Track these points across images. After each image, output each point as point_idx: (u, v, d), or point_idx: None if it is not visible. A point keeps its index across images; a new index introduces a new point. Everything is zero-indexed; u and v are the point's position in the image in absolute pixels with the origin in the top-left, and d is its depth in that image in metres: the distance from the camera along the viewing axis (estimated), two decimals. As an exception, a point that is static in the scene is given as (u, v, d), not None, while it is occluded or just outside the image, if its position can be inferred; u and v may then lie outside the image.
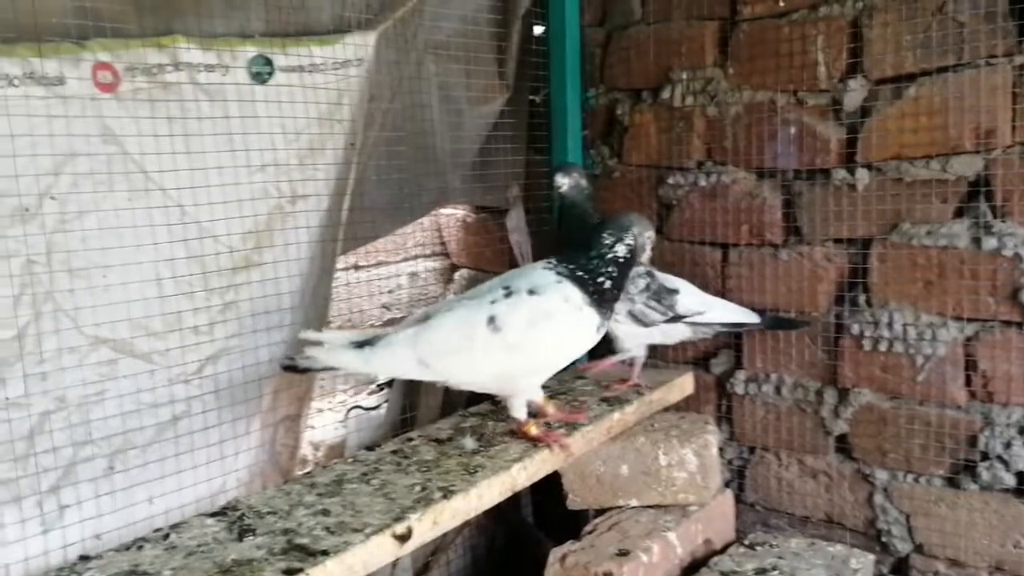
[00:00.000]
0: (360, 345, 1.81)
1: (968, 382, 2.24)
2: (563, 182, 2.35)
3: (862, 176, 2.34)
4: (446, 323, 1.86)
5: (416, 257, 3.47)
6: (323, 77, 2.16)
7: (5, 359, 1.69)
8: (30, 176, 1.70)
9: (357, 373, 1.96)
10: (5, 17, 1.67)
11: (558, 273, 1.91)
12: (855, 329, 2.38)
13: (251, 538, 1.58)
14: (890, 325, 2.32)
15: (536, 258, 2.97)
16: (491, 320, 1.83)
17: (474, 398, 2.51)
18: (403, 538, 1.61)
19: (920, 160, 2.25)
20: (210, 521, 1.67)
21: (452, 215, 3.36)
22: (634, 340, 2.41)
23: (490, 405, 2.35)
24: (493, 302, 1.86)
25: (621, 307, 2.25)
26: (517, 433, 2.05)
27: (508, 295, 1.87)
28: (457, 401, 2.62)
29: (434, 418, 2.42)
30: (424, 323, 1.87)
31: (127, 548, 1.57)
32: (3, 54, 1.66)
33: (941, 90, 2.20)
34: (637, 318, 2.33)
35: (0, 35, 1.65)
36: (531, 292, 1.88)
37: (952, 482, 2.28)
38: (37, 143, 1.71)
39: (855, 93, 2.34)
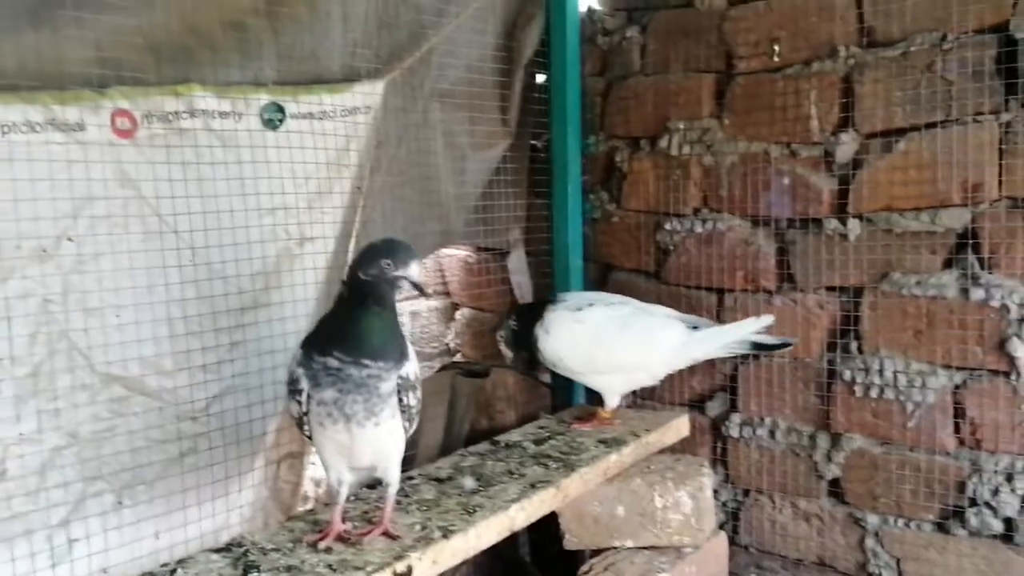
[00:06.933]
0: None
1: (957, 429, 2.29)
2: None
3: (853, 226, 2.41)
4: None
5: (418, 297, 3.52)
6: (332, 124, 2.22)
7: (20, 396, 1.73)
8: (49, 219, 1.75)
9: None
10: (30, 66, 1.73)
11: None
12: (847, 375, 2.44)
13: (255, 574, 1.62)
14: (881, 372, 2.38)
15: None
16: None
17: (472, 438, 2.55)
18: (404, 576, 1.65)
19: (910, 212, 2.31)
20: (215, 557, 1.71)
21: (454, 256, 3.42)
22: None
23: (489, 445, 2.39)
24: None
25: None
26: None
27: None
28: (456, 440, 2.66)
29: (433, 457, 2.45)
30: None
31: (135, 582, 1.61)
32: (27, 101, 1.72)
33: (930, 145, 2.27)
34: None
35: (25, 83, 1.72)
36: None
37: (942, 527, 2.32)
38: (56, 187, 1.76)
39: (846, 146, 2.41)
